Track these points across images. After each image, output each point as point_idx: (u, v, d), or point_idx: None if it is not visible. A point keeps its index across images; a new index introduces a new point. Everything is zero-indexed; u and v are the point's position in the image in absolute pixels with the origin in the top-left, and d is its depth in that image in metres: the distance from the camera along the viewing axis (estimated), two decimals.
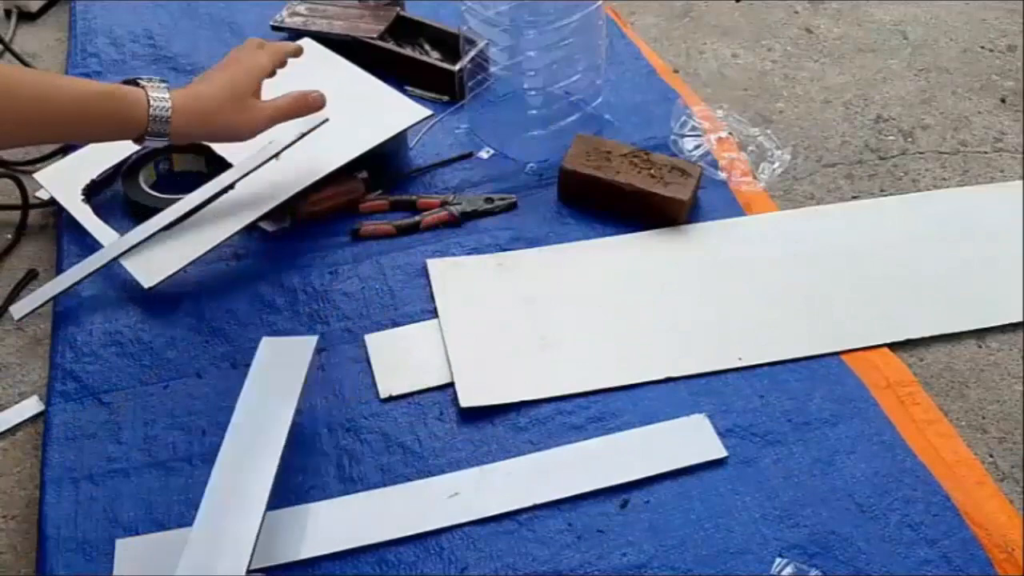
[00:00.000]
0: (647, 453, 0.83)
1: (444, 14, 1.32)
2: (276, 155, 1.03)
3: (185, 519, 0.79)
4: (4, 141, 0.83)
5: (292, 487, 0.81)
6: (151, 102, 0.83)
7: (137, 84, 0.84)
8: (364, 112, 1.12)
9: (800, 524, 0.79)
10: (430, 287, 0.99)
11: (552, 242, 1.05)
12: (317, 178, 1.04)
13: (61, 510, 0.80)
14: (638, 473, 0.81)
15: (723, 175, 1.12)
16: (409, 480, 0.82)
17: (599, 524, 0.79)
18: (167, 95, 0.84)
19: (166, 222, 1.00)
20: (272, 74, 0.95)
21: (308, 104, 0.95)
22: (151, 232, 0.99)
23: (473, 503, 0.80)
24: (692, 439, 0.84)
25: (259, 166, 1.03)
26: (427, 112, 1.12)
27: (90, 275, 0.97)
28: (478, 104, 1.19)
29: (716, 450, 0.83)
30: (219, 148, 1.08)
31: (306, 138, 1.03)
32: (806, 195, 1.13)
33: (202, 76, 0.90)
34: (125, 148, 1.10)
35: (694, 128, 1.17)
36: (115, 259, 0.98)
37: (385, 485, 0.82)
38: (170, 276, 0.97)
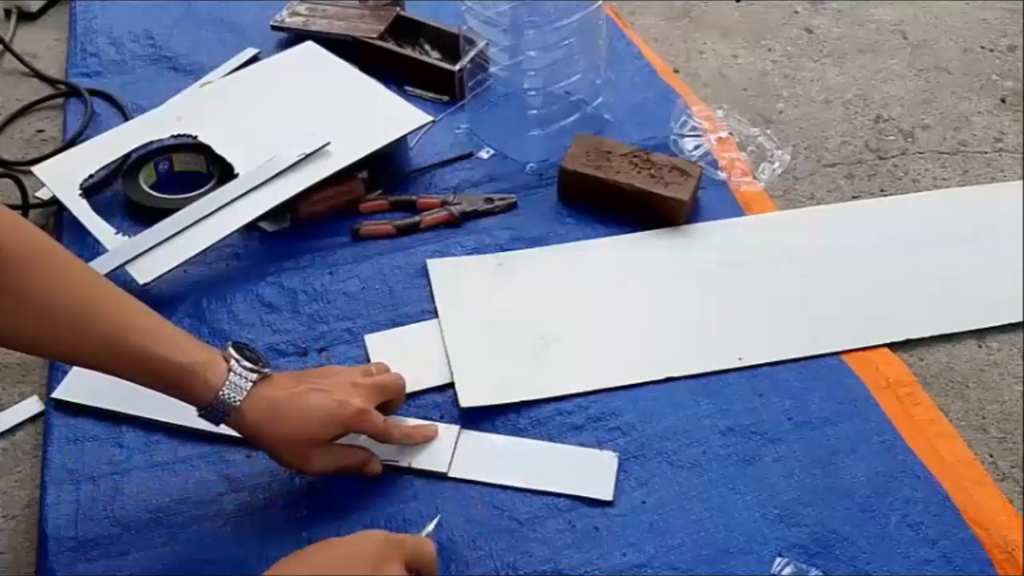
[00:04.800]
0: (544, 468, 0.83)
1: (444, 14, 1.32)
2: (276, 175, 1.03)
3: (185, 518, 0.79)
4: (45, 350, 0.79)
5: None
6: (222, 392, 0.74)
7: (236, 355, 0.76)
8: (365, 116, 1.12)
9: (800, 524, 0.79)
10: (430, 287, 0.99)
11: (552, 242, 1.05)
12: (317, 179, 1.04)
13: (61, 510, 0.80)
14: (522, 483, 0.81)
15: (723, 175, 1.12)
16: (411, 481, 0.82)
17: (599, 524, 0.79)
18: (246, 389, 0.74)
19: (169, 233, 1.00)
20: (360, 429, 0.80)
21: (365, 472, 0.81)
22: (154, 243, 0.99)
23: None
24: (590, 472, 0.82)
25: (262, 184, 1.03)
26: (428, 118, 1.12)
27: None
28: (478, 104, 1.19)
29: (606, 491, 0.80)
30: (220, 149, 1.08)
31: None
32: (806, 195, 1.13)
33: (301, 384, 0.78)
34: (125, 144, 1.11)
35: (694, 128, 1.17)
36: (119, 267, 0.98)
37: (386, 486, 0.82)
38: (166, 273, 0.97)
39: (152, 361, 0.72)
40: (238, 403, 0.74)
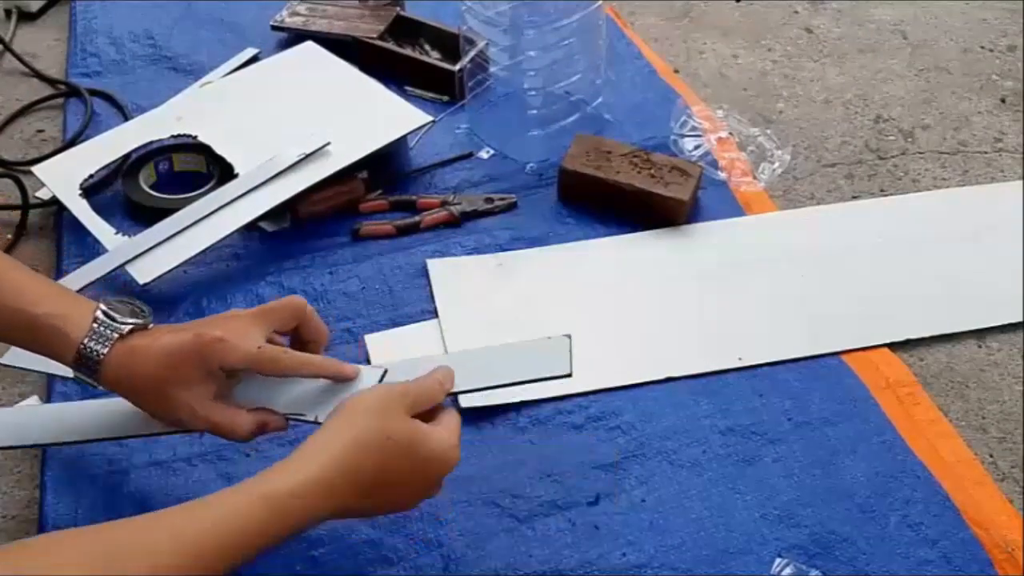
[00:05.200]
0: (496, 365, 0.76)
1: (444, 14, 1.32)
2: (276, 175, 1.03)
3: None
4: None
5: None
6: (83, 345, 0.68)
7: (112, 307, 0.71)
8: (365, 116, 1.12)
9: (800, 524, 0.79)
10: (430, 287, 0.99)
11: (552, 242, 1.05)
12: (317, 179, 1.04)
13: (61, 510, 0.80)
14: (477, 384, 0.75)
15: (723, 175, 1.12)
16: None
17: (599, 523, 0.79)
18: (110, 340, 0.69)
19: (169, 233, 1.00)
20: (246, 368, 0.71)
21: (264, 432, 0.72)
22: (154, 243, 0.99)
23: None
24: (544, 356, 0.75)
25: (262, 184, 1.03)
26: (428, 118, 1.12)
27: (92, 283, 0.97)
28: (478, 104, 1.19)
29: (562, 366, 0.73)
30: (220, 149, 1.08)
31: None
32: (806, 195, 1.13)
33: (176, 329, 0.72)
34: (125, 144, 1.11)
35: (694, 128, 1.17)
36: (119, 267, 0.98)
37: None
38: (166, 273, 0.97)
39: (7, 313, 0.69)
40: (101, 357, 0.68)
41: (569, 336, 0.74)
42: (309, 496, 0.62)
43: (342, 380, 0.73)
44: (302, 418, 0.72)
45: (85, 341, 0.69)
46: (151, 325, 0.72)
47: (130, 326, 0.70)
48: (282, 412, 0.72)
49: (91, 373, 0.69)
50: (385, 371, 0.73)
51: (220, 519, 0.59)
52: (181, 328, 0.72)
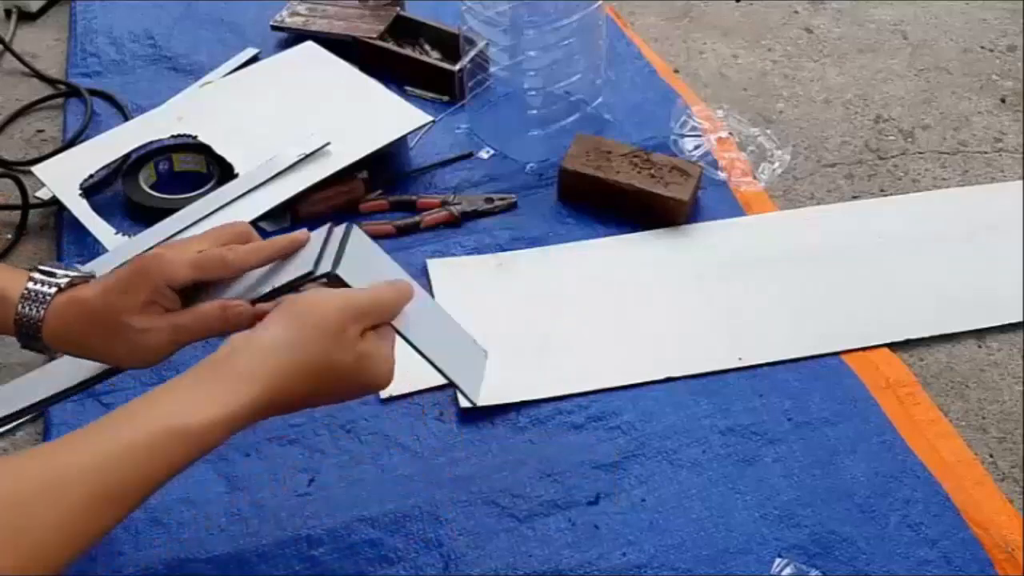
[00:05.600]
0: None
1: (444, 14, 1.32)
2: (276, 175, 1.03)
3: (184, 518, 0.79)
4: None
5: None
6: (21, 306, 0.66)
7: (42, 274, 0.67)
8: (365, 116, 1.12)
9: (800, 524, 0.79)
10: (430, 287, 0.99)
11: (552, 242, 1.05)
12: (317, 179, 1.04)
13: None
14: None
15: (723, 175, 1.12)
16: (411, 480, 0.82)
17: (599, 523, 0.79)
18: (49, 295, 0.66)
19: (169, 233, 1.00)
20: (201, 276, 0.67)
21: (228, 319, 0.66)
22: (154, 243, 0.99)
23: None
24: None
25: (262, 184, 1.03)
26: (427, 118, 1.12)
27: None
28: (478, 104, 1.19)
29: (473, 393, 0.74)
30: (220, 149, 1.08)
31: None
32: (806, 195, 1.13)
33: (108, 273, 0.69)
34: (125, 144, 1.11)
35: (694, 128, 1.17)
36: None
37: (385, 486, 0.82)
38: None
39: None
40: (42, 313, 0.65)
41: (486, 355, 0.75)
42: (235, 425, 0.58)
43: (293, 251, 0.69)
44: (259, 295, 0.67)
45: (24, 302, 0.66)
46: (84, 274, 0.69)
47: (68, 278, 0.67)
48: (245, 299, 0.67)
49: (32, 335, 0.66)
50: (331, 230, 0.69)
51: (128, 452, 0.55)
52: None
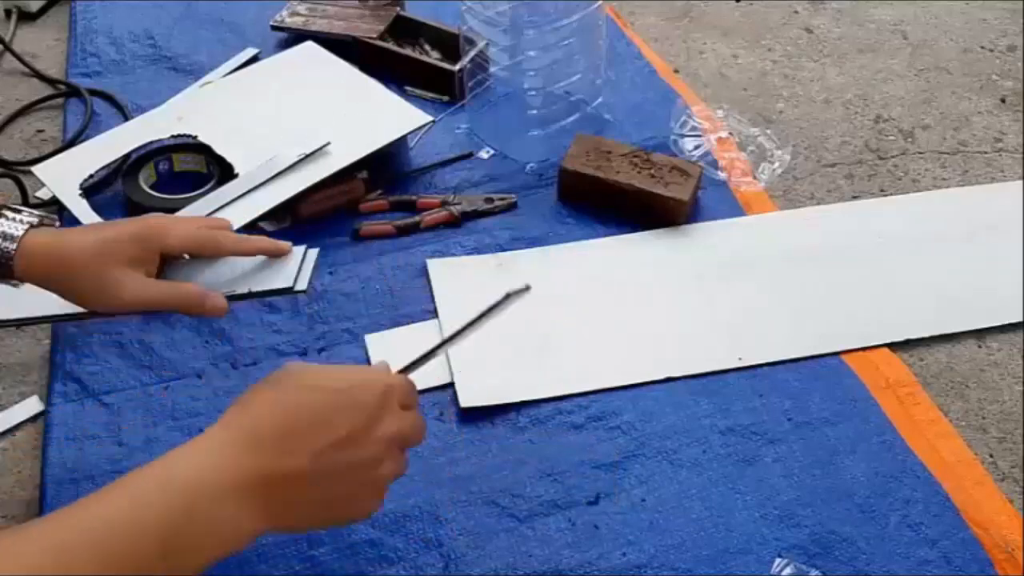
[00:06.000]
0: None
1: (444, 14, 1.32)
2: (276, 175, 1.03)
3: None
4: None
5: None
6: None
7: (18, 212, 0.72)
8: (365, 116, 1.12)
9: (800, 524, 0.79)
10: (430, 287, 0.99)
11: (552, 242, 1.05)
12: (317, 179, 1.04)
13: None
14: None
15: (723, 175, 1.13)
16: (411, 480, 0.82)
17: (599, 523, 0.79)
18: (20, 231, 0.70)
19: None
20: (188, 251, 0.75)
21: (204, 307, 0.73)
22: None
23: None
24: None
25: (262, 184, 1.03)
26: (427, 118, 1.12)
27: None
28: (478, 104, 1.19)
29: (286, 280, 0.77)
30: (220, 149, 1.08)
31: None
32: (806, 195, 1.13)
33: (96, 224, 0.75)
34: (125, 144, 1.11)
35: (694, 128, 1.17)
36: None
37: None
38: None
39: None
40: (14, 247, 0.69)
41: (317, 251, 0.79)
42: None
43: (278, 255, 0.77)
44: (236, 294, 0.76)
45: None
46: (56, 225, 0.73)
47: (39, 217, 0.71)
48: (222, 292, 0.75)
49: (5, 271, 0.70)
50: (306, 251, 0.79)
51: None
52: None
